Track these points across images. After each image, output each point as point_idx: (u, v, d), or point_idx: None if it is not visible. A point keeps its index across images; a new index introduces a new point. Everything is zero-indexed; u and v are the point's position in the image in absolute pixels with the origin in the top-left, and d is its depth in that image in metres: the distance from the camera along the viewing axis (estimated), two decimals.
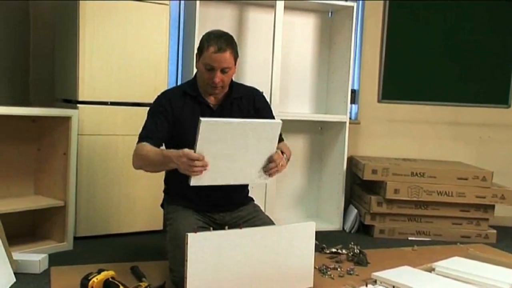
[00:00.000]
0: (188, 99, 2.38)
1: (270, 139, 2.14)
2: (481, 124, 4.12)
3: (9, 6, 3.12)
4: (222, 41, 2.24)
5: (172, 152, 2.09)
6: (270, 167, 2.16)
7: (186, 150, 2.01)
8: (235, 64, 2.32)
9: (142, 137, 2.30)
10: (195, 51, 2.36)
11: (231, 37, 2.31)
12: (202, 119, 1.96)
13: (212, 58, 2.23)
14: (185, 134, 2.25)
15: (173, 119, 2.34)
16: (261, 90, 2.60)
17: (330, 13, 3.87)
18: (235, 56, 2.30)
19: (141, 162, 2.25)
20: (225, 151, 2.05)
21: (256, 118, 2.42)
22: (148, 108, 2.42)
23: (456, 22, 4.00)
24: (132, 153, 2.27)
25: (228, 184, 2.19)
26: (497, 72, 4.06)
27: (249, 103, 2.45)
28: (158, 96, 2.42)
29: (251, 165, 2.14)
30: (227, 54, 2.24)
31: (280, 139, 2.47)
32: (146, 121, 2.36)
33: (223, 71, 2.26)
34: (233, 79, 2.42)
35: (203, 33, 2.35)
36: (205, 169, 2.01)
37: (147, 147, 2.23)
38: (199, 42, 2.33)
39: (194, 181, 2.03)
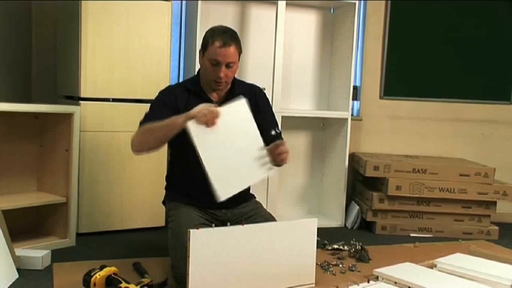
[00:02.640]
0: (191, 96, 2.38)
1: (245, 118, 2.17)
2: (484, 121, 4.12)
3: (11, 4, 3.12)
4: (227, 36, 2.26)
5: (181, 115, 2.12)
6: (280, 151, 2.14)
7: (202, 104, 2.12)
8: (238, 59, 2.33)
9: (141, 124, 2.30)
10: (198, 48, 2.37)
11: (235, 33, 2.32)
12: (188, 123, 2.04)
13: (218, 53, 2.24)
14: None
15: (174, 112, 2.33)
16: (262, 87, 2.60)
17: (332, 10, 3.87)
18: (239, 51, 2.32)
19: (141, 138, 2.23)
20: (222, 145, 2.09)
21: (257, 115, 2.43)
22: (148, 106, 2.41)
23: (458, 18, 3.99)
24: (132, 138, 2.25)
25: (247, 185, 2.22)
26: (500, 69, 4.05)
27: (251, 100, 2.44)
28: (162, 90, 2.42)
29: (250, 154, 2.16)
30: (232, 49, 2.26)
31: (279, 137, 2.47)
32: (147, 112, 2.35)
33: (228, 66, 2.27)
34: (235, 75, 2.42)
35: (205, 30, 2.35)
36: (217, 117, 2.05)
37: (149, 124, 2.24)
38: (202, 38, 2.33)
39: (220, 194, 2.06)
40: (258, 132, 2.19)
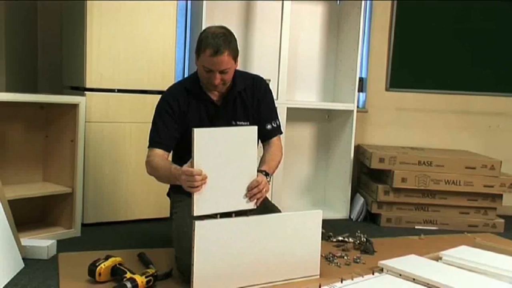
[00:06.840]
0: (192, 96, 2.36)
1: (250, 145, 2.13)
2: (490, 113, 4.09)
3: None
4: (219, 42, 2.16)
5: (178, 170, 2.09)
6: (253, 193, 2.13)
7: (185, 168, 2.02)
8: (235, 61, 2.27)
9: (154, 142, 2.32)
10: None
11: (228, 35, 2.22)
12: (195, 129, 1.98)
13: (209, 62, 2.19)
14: (190, 132, 2.22)
15: (180, 117, 2.34)
16: (268, 78, 2.58)
17: (338, 1, 3.84)
18: (234, 54, 2.23)
19: (152, 172, 2.30)
20: (218, 162, 2.05)
21: (259, 109, 2.42)
22: (154, 97, 2.41)
23: (465, 10, 3.96)
24: (145, 159, 2.31)
25: (228, 211, 2.13)
26: (507, 60, 4.02)
27: (252, 95, 2.43)
28: (165, 95, 2.40)
29: (241, 182, 2.12)
30: (225, 57, 2.18)
31: (276, 131, 2.47)
32: (156, 122, 2.35)
33: (222, 72, 2.22)
34: (239, 67, 2.39)
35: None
36: (204, 183, 2.01)
37: (158, 158, 2.26)
38: (197, 39, 2.26)
39: (197, 210, 2.03)
40: (255, 163, 2.16)
